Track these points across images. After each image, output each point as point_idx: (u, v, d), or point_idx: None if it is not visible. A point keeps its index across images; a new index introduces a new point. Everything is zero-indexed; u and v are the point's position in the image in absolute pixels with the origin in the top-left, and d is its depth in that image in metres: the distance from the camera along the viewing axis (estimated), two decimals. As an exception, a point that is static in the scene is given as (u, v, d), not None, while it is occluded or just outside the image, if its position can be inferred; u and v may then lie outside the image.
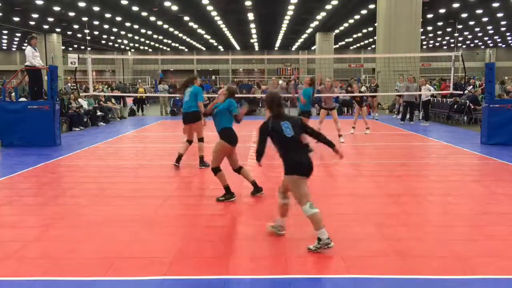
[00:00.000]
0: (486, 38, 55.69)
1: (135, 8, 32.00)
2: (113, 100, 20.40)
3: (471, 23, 42.25)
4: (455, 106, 16.93)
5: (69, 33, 45.43)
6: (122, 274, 3.98)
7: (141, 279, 3.87)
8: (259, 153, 4.88)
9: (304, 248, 4.52)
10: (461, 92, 17.43)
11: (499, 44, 61.68)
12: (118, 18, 36.37)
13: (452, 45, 55.90)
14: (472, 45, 61.33)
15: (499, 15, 37.41)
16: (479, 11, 35.64)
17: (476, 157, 9.96)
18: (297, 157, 4.60)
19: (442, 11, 34.24)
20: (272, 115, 4.79)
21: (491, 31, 48.52)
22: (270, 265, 4.13)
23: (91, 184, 7.56)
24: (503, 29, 46.68)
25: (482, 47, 62.18)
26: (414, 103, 17.29)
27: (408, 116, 17.21)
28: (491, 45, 61.50)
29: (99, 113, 17.58)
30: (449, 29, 45.78)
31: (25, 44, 13.11)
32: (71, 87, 20.07)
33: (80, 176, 8.22)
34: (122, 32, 45.45)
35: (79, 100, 16.94)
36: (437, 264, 4.12)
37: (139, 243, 4.74)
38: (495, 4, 32.30)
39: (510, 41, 58.64)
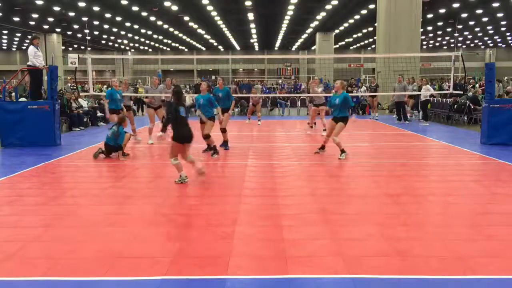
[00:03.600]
0: (486, 38, 55.68)
1: (135, 8, 32.01)
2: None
3: (471, 23, 42.25)
4: (455, 106, 16.94)
5: (69, 33, 45.44)
6: (122, 274, 3.98)
7: (141, 279, 3.87)
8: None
9: (304, 248, 4.52)
10: (461, 92, 17.45)
11: (499, 44, 61.66)
12: (118, 18, 36.36)
13: (452, 45, 55.90)
14: (472, 45, 61.33)
15: (499, 15, 37.41)
16: (479, 11, 35.64)
17: (476, 157, 9.96)
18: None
19: (442, 11, 34.24)
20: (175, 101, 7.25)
21: (491, 31, 48.51)
22: (270, 265, 4.13)
23: (91, 184, 7.56)
24: (503, 29, 46.67)
25: (482, 47, 62.16)
26: (403, 102, 17.60)
27: (400, 115, 17.51)
28: (491, 45, 61.48)
29: (99, 113, 17.59)
30: (449, 29, 45.78)
31: (26, 44, 13.17)
32: (71, 87, 20.06)
33: (80, 176, 8.22)
34: (122, 32, 45.45)
35: (79, 100, 16.95)
36: (437, 264, 4.12)
37: (139, 243, 4.74)
38: (495, 4, 32.30)
39: (510, 41, 58.62)
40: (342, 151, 9.64)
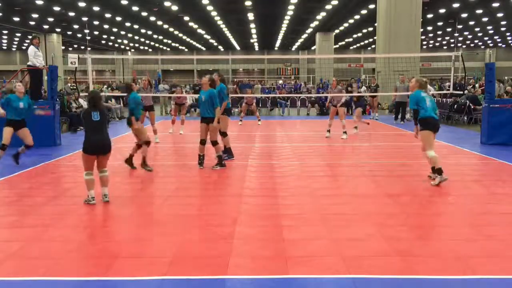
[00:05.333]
0: (486, 38, 55.67)
1: (135, 8, 32.01)
2: (113, 100, 20.40)
3: (471, 23, 42.24)
4: (455, 106, 16.93)
5: (69, 33, 45.42)
6: (122, 274, 3.98)
7: (141, 279, 3.87)
8: None
9: (304, 248, 4.52)
10: (461, 92, 17.44)
11: (499, 44, 61.66)
12: (118, 18, 36.36)
13: (452, 45, 55.89)
14: (472, 45, 61.32)
15: (499, 15, 37.40)
16: (479, 11, 35.64)
17: (476, 157, 9.96)
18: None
19: (442, 11, 34.23)
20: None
21: (491, 31, 48.51)
22: (270, 265, 4.13)
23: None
24: (503, 29, 46.65)
25: (482, 47, 62.16)
26: (405, 103, 17.38)
27: (400, 115, 17.45)
28: (491, 45, 61.50)
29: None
30: (449, 29, 45.77)
31: (26, 44, 13.13)
32: (71, 87, 20.06)
33: (80, 176, 8.16)
34: (122, 32, 45.45)
35: (79, 100, 16.95)
36: (437, 264, 4.12)
37: (139, 243, 4.74)
38: (495, 4, 32.30)
39: (510, 41, 58.61)
40: (438, 172, 7.04)
